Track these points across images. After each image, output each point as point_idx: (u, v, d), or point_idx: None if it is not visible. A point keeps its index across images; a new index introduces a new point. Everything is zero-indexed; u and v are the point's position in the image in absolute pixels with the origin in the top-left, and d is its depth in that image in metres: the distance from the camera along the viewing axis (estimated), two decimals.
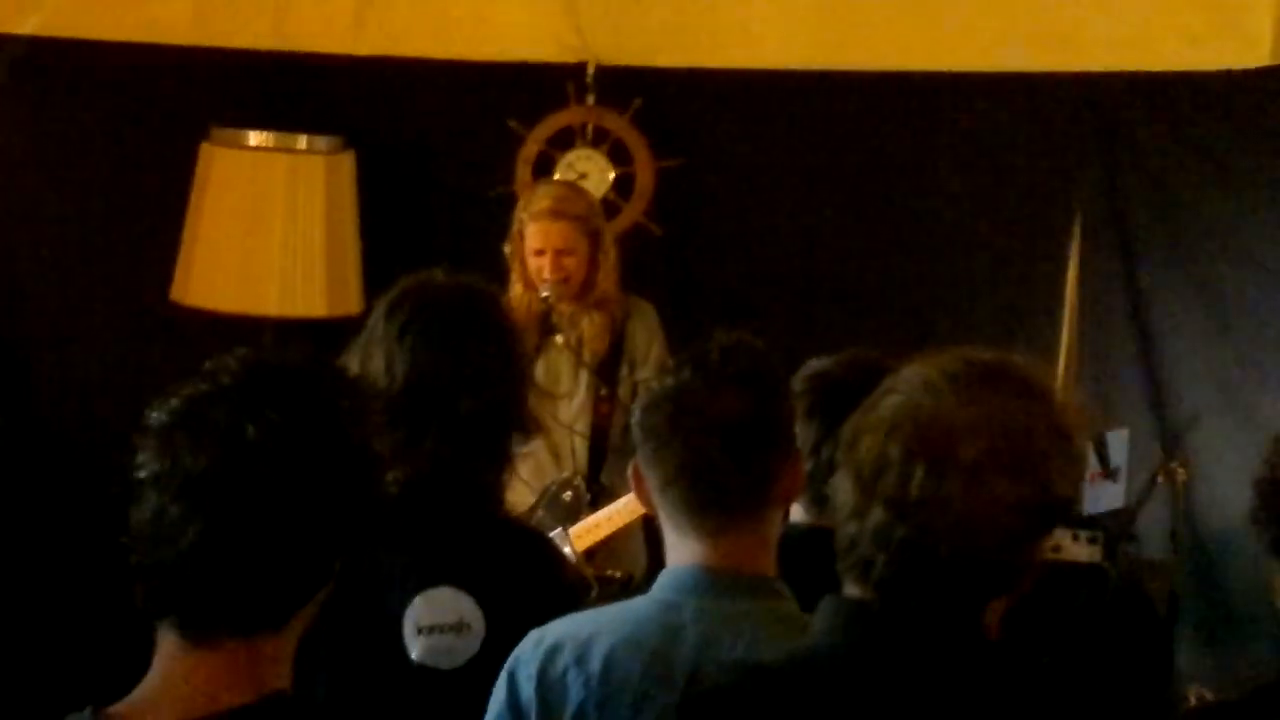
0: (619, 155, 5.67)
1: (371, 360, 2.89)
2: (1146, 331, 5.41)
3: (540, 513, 4.65)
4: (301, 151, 5.48)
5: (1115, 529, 4.74)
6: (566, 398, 4.92)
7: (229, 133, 5.49)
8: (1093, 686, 4.29)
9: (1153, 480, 4.93)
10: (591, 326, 4.91)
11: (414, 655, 2.80)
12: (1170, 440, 5.25)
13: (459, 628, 2.79)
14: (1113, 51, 5.35)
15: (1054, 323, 5.07)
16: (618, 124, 5.65)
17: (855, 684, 1.95)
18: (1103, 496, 4.79)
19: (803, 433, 2.77)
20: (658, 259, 5.60)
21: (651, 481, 2.53)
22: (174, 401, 1.84)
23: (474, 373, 2.87)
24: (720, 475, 2.48)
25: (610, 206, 5.52)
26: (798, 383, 2.93)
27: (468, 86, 5.69)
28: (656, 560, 2.78)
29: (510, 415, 2.93)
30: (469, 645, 2.80)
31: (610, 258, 4.95)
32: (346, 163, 5.52)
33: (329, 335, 4.60)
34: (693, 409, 2.49)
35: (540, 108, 5.67)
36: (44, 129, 5.67)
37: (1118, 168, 5.46)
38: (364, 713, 2.78)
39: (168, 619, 1.83)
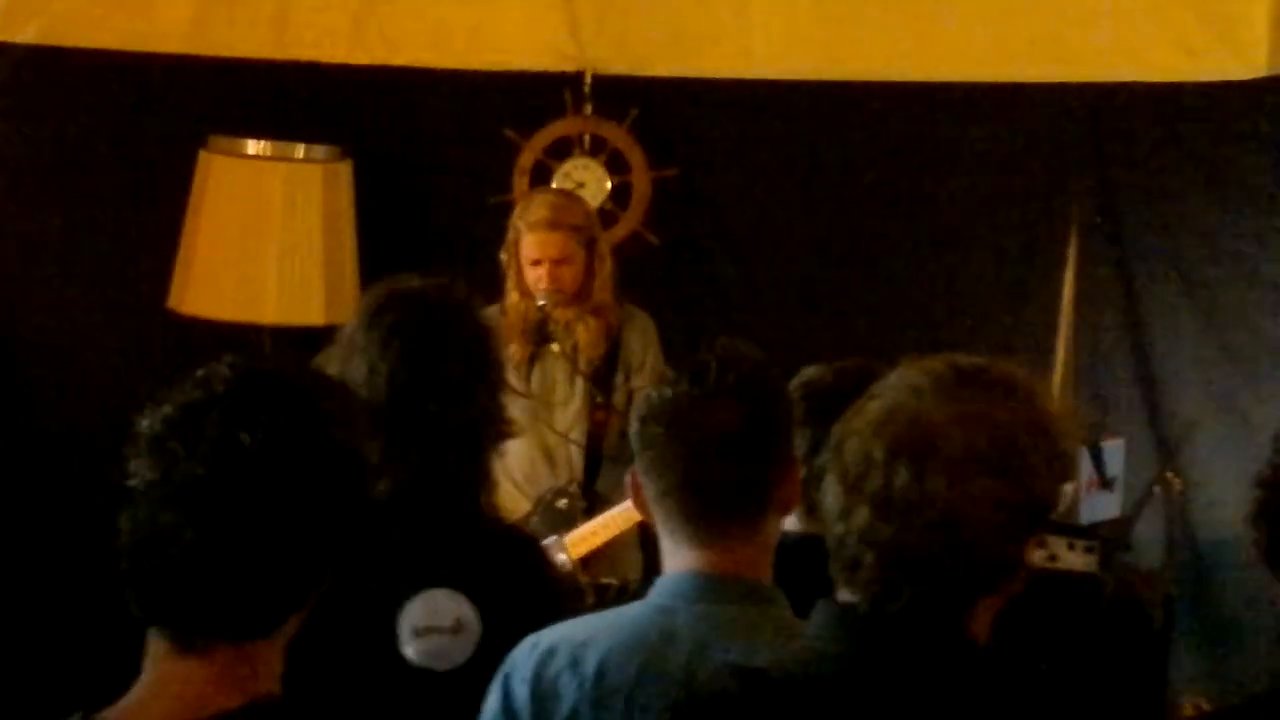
0: (616, 164, 5.68)
1: (352, 368, 2.91)
2: (1142, 341, 5.42)
3: (535, 520, 4.66)
4: (299, 160, 5.48)
5: (1111, 538, 4.74)
6: (562, 405, 4.93)
7: (227, 141, 5.49)
8: (1088, 695, 4.29)
9: (1149, 490, 4.93)
10: (587, 334, 4.92)
11: (410, 657, 2.81)
12: (1166, 450, 5.25)
13: (455, 629, 2.80)
14: (1109, 62, 5.36)
15: (1050, 332, 5.09)
16: (615, 133, 5.66)
17: (844, 686, 1.96)
18: (1099, 506, 4.79)
19: (796, 441, 2.78)
20: (655, 268, 5.61)
21: (649, 490, 2.54)
22: (166, 409, 1.84)
23: (455, 381, 2.89)
24: (717, 485, 2.49)
25: (607, 216, 5.53)
26: (792, 391, 2.94)
27: (465, 96, 5.70)
28: (652, 568, 2.79)
29: (490, 420, 2.94)
30: (465, 647, 2.81)
31: (606, 266, 4.96)
32: (344, 171, 5.52)
33: (326, 343, 4.60)
34: (691, 419, 2.50)
35: (538, 117, 5.68)
36: (42, 137, 5.67)
37: (1114, 178, 5.47)
38: (361, 715, 2.79)
39: (158, 624, 1.84)
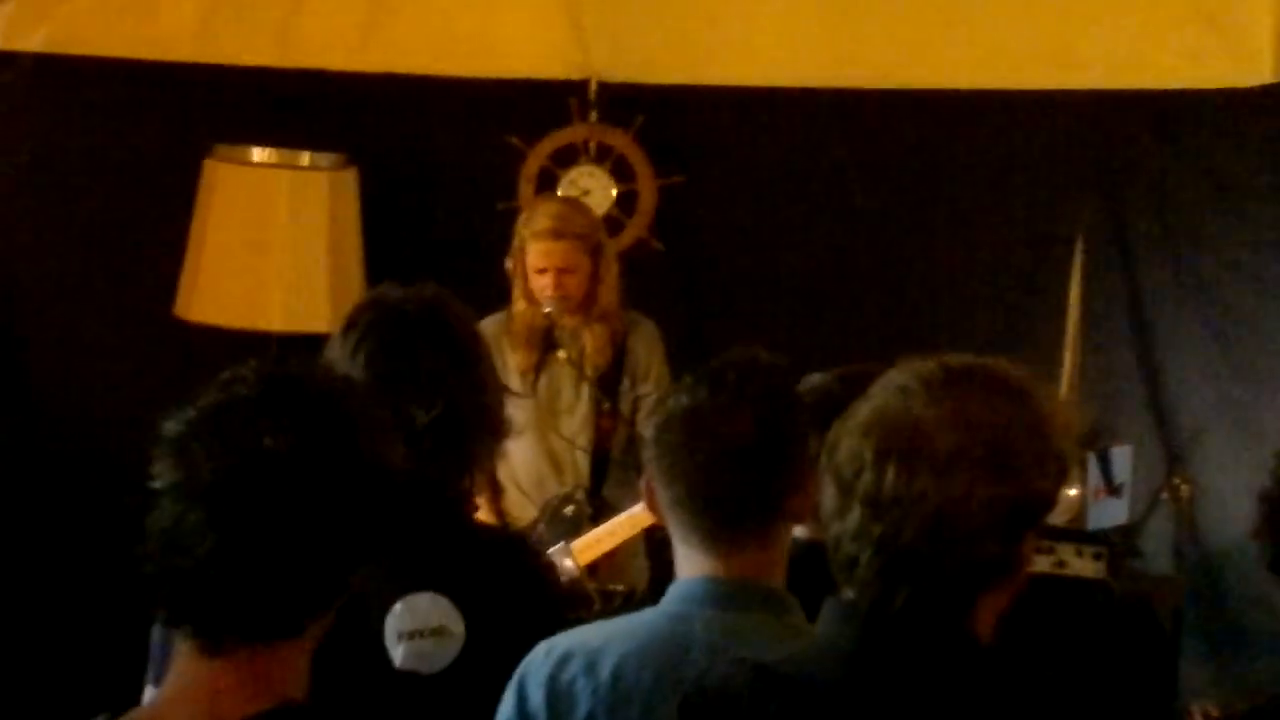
0: (622, 172, 5.68)
1: None
2: (1149, 348, 5.42)
3: (542, 526, 4.67)
4: (305, 168, 5.48)
5: (1120, 545, 4.74)
6: (568, 412, 4.94)
7: (232, 149, 5.49)
8: (1098, 701, 4.29)
9: (1157, 496, 4.94)
10: (593, 341, 4.93)
11: (396, 661, 2.80)
12: (1174, 456, 5.25)
13: (439, 632, 2.80)
14: (1115, 69, 5.36)
15: (1057, 339, 5.08)
16: (620, 141, 5.66)
17: (850, 682, 1.98)
18: (1107, 512, 4.79)
19: None
20: (660, 275, 5.60)
21: (663, 496, 2.55)
22: (191, 412, 1.85)
23: (428, 381, 2.87)
24: (732, 493, 2.50)
25: (613, 223, 5.53)
26: None
27: (471, 103, 5.70)
28: (659, 574, 2.79)
29: (472, 420, 2.93)
30: (449, 650, 2.80)
31: (612, 273, 4.97)
32: (350, 179, 5.52)
33: None
34: (706, 427, 2.51)
35: (543, 124, 5.69)
36: (48, 145, 5.67)
37: (1120, 186, 5.47)
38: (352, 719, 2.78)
39: (184, 627, 1.84)
